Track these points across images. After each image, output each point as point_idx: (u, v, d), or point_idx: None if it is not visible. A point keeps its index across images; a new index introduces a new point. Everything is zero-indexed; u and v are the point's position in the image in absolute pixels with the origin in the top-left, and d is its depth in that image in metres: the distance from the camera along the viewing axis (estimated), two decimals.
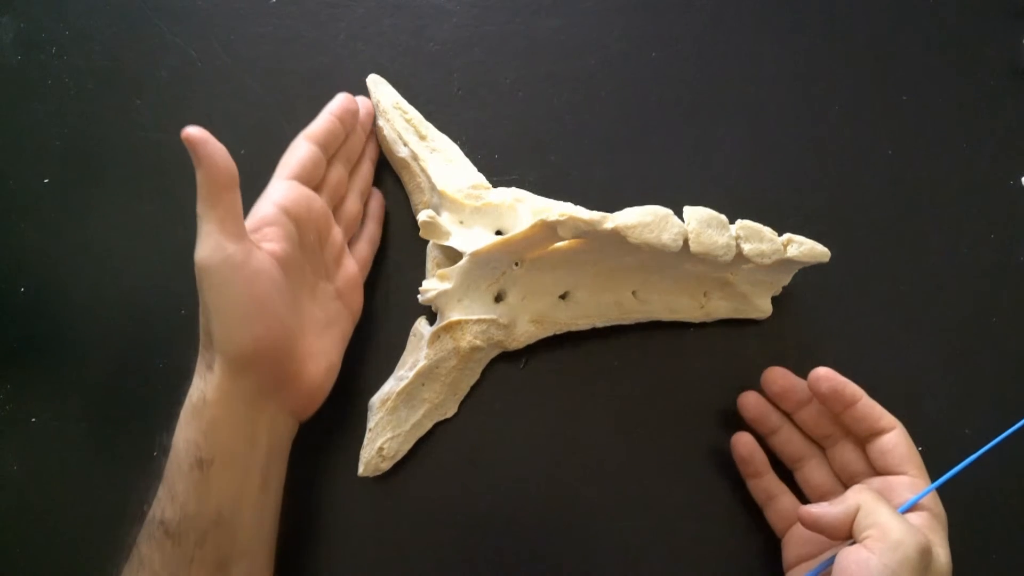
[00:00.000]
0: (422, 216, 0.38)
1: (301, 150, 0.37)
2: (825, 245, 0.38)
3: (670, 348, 0.42)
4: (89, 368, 0.42)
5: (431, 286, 0.38)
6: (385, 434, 0.38)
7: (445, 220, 0.39)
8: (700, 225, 0.35)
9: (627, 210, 0.34)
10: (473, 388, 0.41)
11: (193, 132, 0.30)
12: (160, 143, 0.45)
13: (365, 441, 0.39)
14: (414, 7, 0.47)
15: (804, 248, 0.37)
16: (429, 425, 0.40)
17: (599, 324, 0.41)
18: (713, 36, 0.47)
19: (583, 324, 0.40)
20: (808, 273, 0.42)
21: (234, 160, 0.44)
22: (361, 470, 0.38)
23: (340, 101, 0.40)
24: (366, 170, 0.42)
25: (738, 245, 0.36)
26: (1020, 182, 0.46)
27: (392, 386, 0.39)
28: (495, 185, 0.42)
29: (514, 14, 0.47)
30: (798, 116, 0.46)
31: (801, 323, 0.43)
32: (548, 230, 0.35)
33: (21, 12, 0.47)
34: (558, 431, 0.41)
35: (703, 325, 0.42)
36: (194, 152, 0.30)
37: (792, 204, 0.45)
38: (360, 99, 0.41)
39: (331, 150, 0.39)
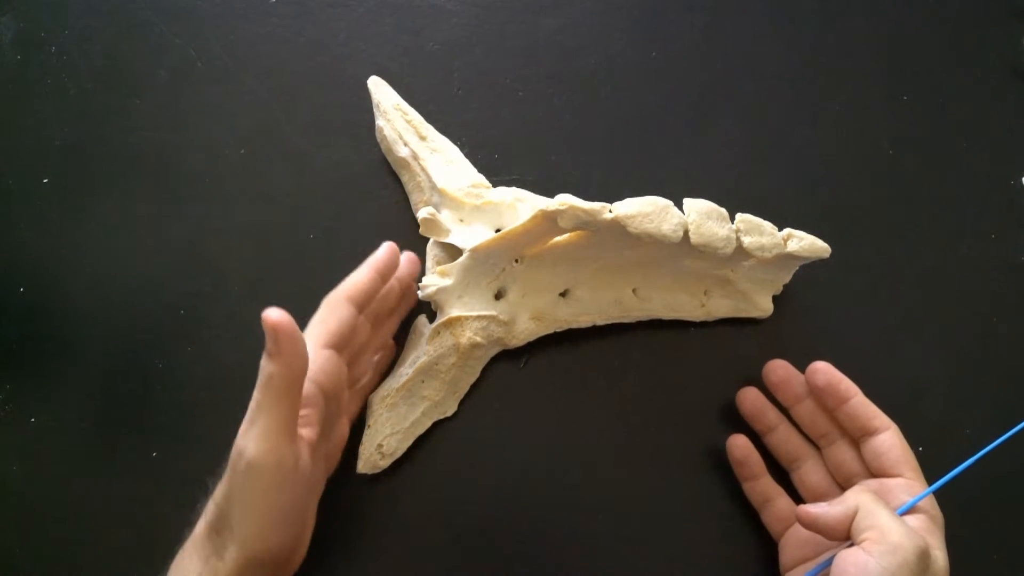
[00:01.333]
0: (422, 213, 0.38)
1: (343, 313, 0.34)
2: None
3: (670, 347, 0.42)
4: (89, 368, 0.42)
5: (431, 282, 0.38)
6: (384, 431, 0.38)
7: (445, 218, 0.39)
8: (700, 217, 0.35)
9: (627, 200, 0.34)
10: (473, 387, 0.41)
11: (280, 320, 0.28)
12: (160, 143, 0.45)
13: (364, 438, 0.39)
14: (414, 7, 0.47)
15: (804, 243, 0.37)
16: (428, 423, 0.40)
17: (599, 322, 0.41)
18: (713, 36, 0.47)
19: (583, 322, 0.40)
20: (808, 272, 0.42)
21: (234, 160, 0.44)
22: (360, 467, 0.38)
23: (383, 253, 0.37)
24: (391, 326, 0.40)
25: (738, 238, 0.36)
26: (1020, 182, 0.46)
27: (392, 383, 0.39)
28: (495, 185, 0.42)
29: (514, 14, 0.47)
30: (798, 116, 0.46)
31: (801, 322, 0.43)
32: (548, 221, 0.34)
33: (21, 12, 0.47)
34: (558, 430, 0.41)
35: (704, 324, 0.42)
36: (276, 342, 0.28)
37: (792, 204, 0.45)
38: (406, 254, 0.39)
39: (365, 307, 0.36)
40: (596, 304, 0.40)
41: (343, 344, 0.34)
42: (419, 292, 0.39)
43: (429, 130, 0.42)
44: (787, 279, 0.42)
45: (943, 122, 0.47)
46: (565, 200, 0.33)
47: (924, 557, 0.30)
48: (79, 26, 0.46)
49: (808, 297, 0.43)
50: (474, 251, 0.37)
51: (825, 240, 0.38)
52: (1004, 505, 0.41)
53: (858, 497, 0.32)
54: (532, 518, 0.40)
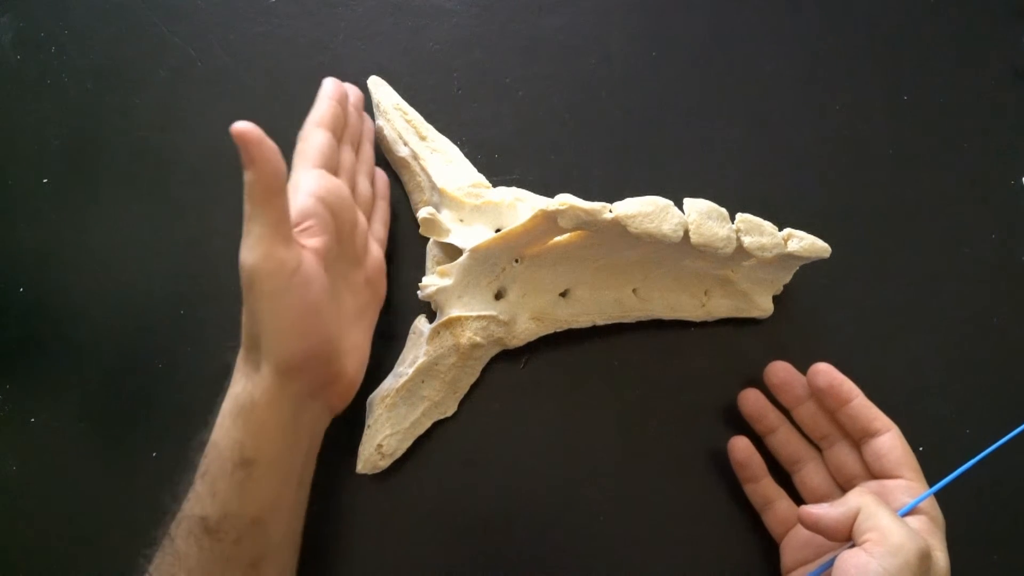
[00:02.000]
0: (422, 213, 0.38)
1: (318, 137, 0.36)
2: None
3: (671, 347, 0.42)
4: (89, 368, 0.42)
5: (431, 282, 0.38)
6: (384, 431, 0.38)
7: (445, 218, 0.39)
8: (700, 216, 0.35)
9: (628, 200, 0.34)
10: (473, 387, 0.41)
11: (245, 129, 0.29)
12: (160, 143, 0.45)
13: (364, 438, 0.39)
14: (414, 7, 0.47)
15: (805, 243, 0.37)
16: (428, 423, 0.40)
17: (600, 322, 0.41)
18: (713, 36, 0.47)
19: (583, 322, 0.40)
20: (809, 272, 0.42)
21: (234, 160, 0.44)
22: (359, 467, 0.38)
23: (332, 85, 0.39)
24: (368, 151, 0.42)
25: (739, 238, 0.36)
26: (1020, 182, 0.46)
27: (391, 383, 0.39)
28: (495, 185, 0.42)
29: (514, 14, 0.47)
30: (798, 116, 0.46)
31: (802, 322, 0.43)
32: (548, 221, 0.34)
33: (21, 12, 0.47)
34: (558, 431, 0.41)
35: (704, 324, 0.42)
36: (246, 151, 0.29)
37: (792, 204, 0.45)
38: (346, 84, 0.41)
39: (338, 134, 0.38)
40: (596, 304, 0.40)
41: (327, 163, 0.36)
42: (419, 293, 0.39)
43: (429, 130, 0.42)
44: (787, 279, 0.42)
45: (943, 122, 0.47)
46: (565, 200, 0.33)
47: (925, 558, 0.30)
48: (79, 26, 0.46)
49: (808, 297, 0.43)
50: (474, 251, 0.37)
51: (825, 240, 0.38)
52: (1004, 506, 0.41)
53: (860, 498, 0.32)
54: (532, 518, 0.40)
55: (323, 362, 0.33)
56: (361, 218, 0.38)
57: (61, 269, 0.43)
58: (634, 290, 0.41)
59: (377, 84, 0.43)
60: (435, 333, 0.38)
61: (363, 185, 0.40)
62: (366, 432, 0.39)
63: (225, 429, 0.31)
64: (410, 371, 0.38)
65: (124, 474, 0.40)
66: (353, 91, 0.41)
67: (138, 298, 0.43)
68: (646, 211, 0.34)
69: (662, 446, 0.41)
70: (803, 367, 0.38)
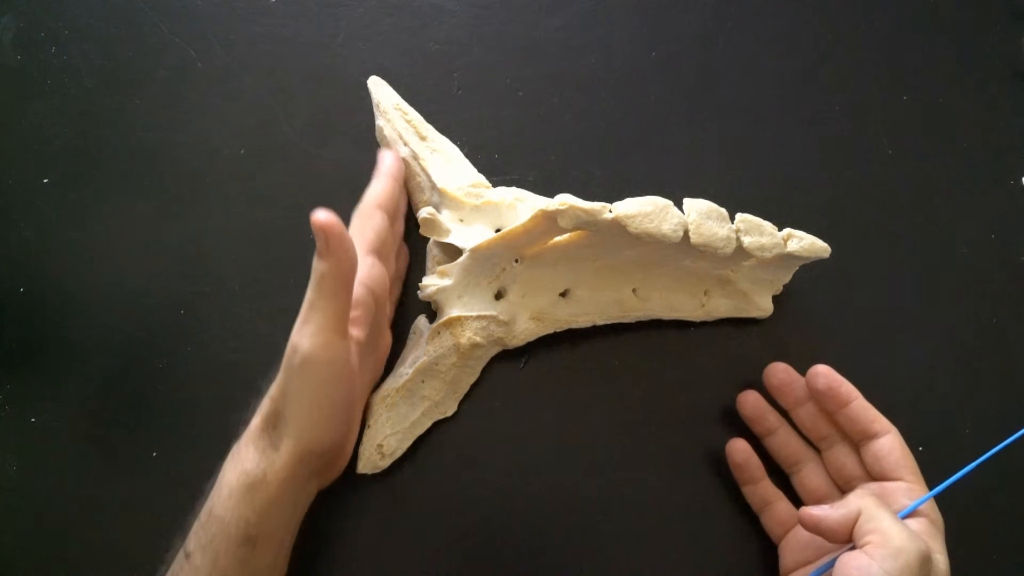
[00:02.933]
0: (422, 213, 0.38)
1: (377, 221, 0.36)
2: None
3: (670, 347, 0.42)
4: (89, 368, 0.42)
5: (431, 282, 0.38)
6: (384, 431, 0.38)
7: (445, 218, 0.39)
8: (700, 217, 0.35)
9: (627, 200, 0.34)
10: (473, 387, 0.41)
11: (328, 222, 0.29)
12: (160, 143, 0.45)
13: (364, 438, 0.39)
14: (414, 7, 0.47)
15: (804, 243, 0.37)
16: (428, 423, 0.40)
17: (599, 322, 0.41)
18: (713, 36, 0.47)
19: (583, 322, 0.40)
20: (808, 272, 0.42)
21: (234, 160, 0.44)
22: (360, 467, 0.38)
23: (391, 161, 0.39)
24: (401, 226, 0.42)
25: (738, 238, 0.36)
26: (1020, 182, 0.46)
27: (392, 383, 0.39)
28: (495, 185, 0.42)
29: (514, 14, 0.47)
30: (798, 116, 0.46)
31: (801, 322, 0.43)
32: (548, 221, 0.35)
33: (21, 12, 0.47)
34: (558, 431, 0.41)
35: (704, 324, 0.42)
36: (327, 243, 0.29)
37: (792, 204, 0.45)
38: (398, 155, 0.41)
39: (392, 214, 0.38)
40: (596, 304, 0.40)
41: (381, 249, 0.36)
42: (419, 293, 0.39)
43: (429, 130, 0.42)
44: (787, 279, 0.42)
45: (943, 122, 0.47)
46: (565, 200, 0.33)
47: (926, 561, 0.30)
48: (79, 26, 0.46)
49: (808, 297, 0.43)
50: (474, 251, 0.37)
51: (825, 240, 0.38)
52: (1004, 508, 0.41)
53: (861, 500, 0.32)
54: (532, 518, 0.40)
55: (339, 451, 0.34)
56: (388, 304, 0.38)
57: (61, 269, 0.43)
58: (634, 290, 0.41)
59: (377, 84, 0.43)
60: (435, 333, 0.38)
61: (391, 267, 0.40)
62: (366, 432, 0.39)
63: (232, 504, 0.31)
64: (410, 371, 0.38)
65: (124, 474, 0.40)
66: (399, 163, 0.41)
67: (138, 298, 0.43)
68: (646, 211, 0.34)
69: (662, 446, 0.41)
70: (803, 367, 0.38)
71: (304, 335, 0.31)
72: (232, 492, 0.31)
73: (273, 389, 0.32)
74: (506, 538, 0.39)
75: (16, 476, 0.40)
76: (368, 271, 0.35)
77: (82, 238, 0.43)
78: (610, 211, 0.33)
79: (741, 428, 0.40)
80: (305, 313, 0.31)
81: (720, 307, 0.42)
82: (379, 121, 0.42)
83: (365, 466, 0.38)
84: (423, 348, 0.38)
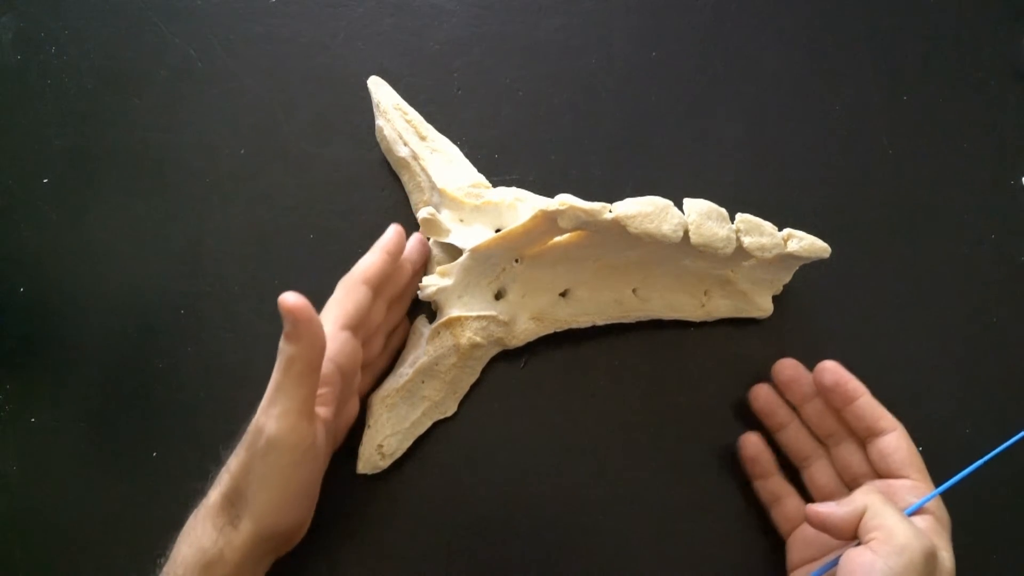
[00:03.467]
0: (422, 213, 0.38)
1: (359, 295, 0.35)
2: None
3: (671, 347, 0.42)
4: (89, 368, 0.42)
5: (431, 282, 0.38)
6: (384, 431, 0.38)
7: (445, 218, 0.39)
8: (700, 217, 0.35)
9: (627, 200, 0.34)
10: (473, 388, 0.41)
11: (296, 305, 0.29)
12: (160, 143, 0.45)
13: (364, 438, 0.39)
14: (414, 7, 0.47)
15: (804, 243, 0.37)
16: (428, 423, 0.40)
17: (599, 322, 0.41)
18: (713, 36, 0.47)
19: (583, 322, 0.40)
20: (809, 272, 0.42)
21: (234, 160, 0.44)
22: (359, 467, 0.38)
23: (391, 235, 0.38)
24: (402, 309, 0.41)
25: (738, 238, 0.36)
26: (1020, 182, 0.46)
27: (392, 383, 0.39)
28: (495, 185, 0.42)
29: (514, 14, 0.47)
30: (798, 116, 0.46)
31: (802, 322, 0.43)
32: (548, 221, 0.35)
33: (21, 12, 0.47)
34: (558, 431, 0.41)
35: (704, 324, 0.42)
36: (295, 327, 0.29)
37: (792, 204, 0.45)
38: (414, 236, 0.40)
39: (378, 289, 0.37)
40: (596, 304, 0.40)
41: (359, 325, 0.35)
42: (419, 293, 0.39)
43: (429, 130, 0.42)
44: (787, 279, 0.42)
45: (943, 122, 0.47)
46: (565, 200, 0.33)
47: (931, 558, 0.30)
48: (79, 26, 0.46)
49: (808, 297, 0.43)
50: (474, 251, 0.37)
51: (825, 240, 0.38)
52: (1007, 507, 0.41)
53: (866, 497, 0.32)
54: (532, 518, 0.40)
55: (298, 528, 0.34)
56: (358, 377, 0.37)
57: (61, 269, 0.43)
58: (634, 290, 0.41)
59: (377, 84, 0.43)
60: (435, 333, 0.38)
61: (376, 343, 0.39)
62: (366, 432, 0.39)
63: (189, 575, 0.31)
64: (410, 371, 0.38)
65: (124, 474, 0.40)
66: (416, 245, 0.40)
67: (138, 298, 0.43)
68: (646, 211, 0.34)
69: (662, 446, 0.41)
70: (804, 367, 0.38)
71: (270, 417, 0.30)
72: (188, 570, 0.31)
73: (234, 465, 0.31)
74: (506, 538, 0.39)
75: (16, 476, 0.40)
76: (339, 347, 0.34)
77: (82, 238, 0.43)
78: (610, 211, 0.33)
79: (741, 428, 0.40)
80: (271, 394, 0.30)
81: (720, 307, 0.42)
82: (379, 121, 0.42)
83: (365, 466, 0.38)
84: (423, 348, 0.38)
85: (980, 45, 0.48)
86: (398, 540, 0.39)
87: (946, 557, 0.32)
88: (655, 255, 0.38)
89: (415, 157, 0.41)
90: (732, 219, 0.36)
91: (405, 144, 0.41)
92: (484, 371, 0.41)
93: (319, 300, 0.41)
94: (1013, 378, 0.43)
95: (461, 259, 0.38)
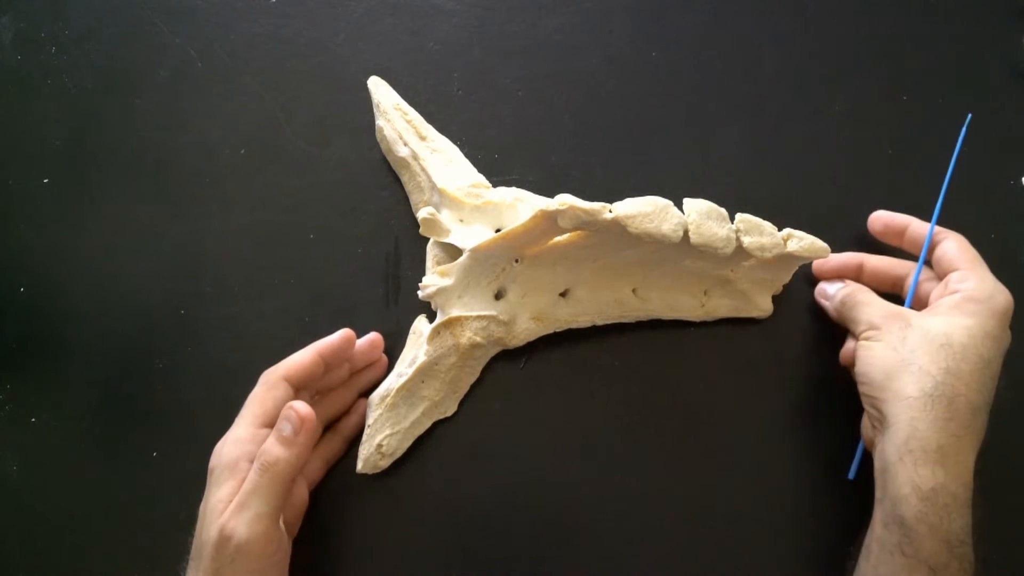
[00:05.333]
0: (422, 213, 0.38)
1: (278, 393, 0.35)
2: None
3: (671, 347, 0.42)
4: (89, 368, 0.42)
5: (431, 282, 0.38)
6: (384, 431, 0.38)
7: (445, 218, 0.39)
8: (700, 217, 0.35)
9: (627, 200, 0.34)
10: (473, 387, 0.41)
11: (306, 413, 0.32)
12: (160, 143, 0.45)
13: (364, 438, 0.39)
14: (414, 7, 0.47)
15: (804, 243, 0.37)
16: (428, 423, 0.40)
17: (599, 322, 0.41)
18: (713, 36, 0.47)
19: (583, 322, 0.40)
20: (808, 272, 0.42)
21: (234, 160, 0.44)
22: (360, 467, 0.38)
23: (333, 340, 0.38)
24: (343, 399, 0.40)
25: (738, 238, 0.36)
26: (1020, 182, 0.46)
27: (392, 383, 0.39)
28: (495, 185, 0.42)
29: (514, 14, 0.47)
30: (798, 116, 0.46)
31: (801, 322, 0.43)
32: (548, 221, 0.35)
33: (21, 12, 0.47)
34: (558, 431, 0.41)
35: (704, 324, 0.42)
36: (295, 435, 0.32)
37: (792, 204, 0.45)
38: (369, 337, 0.40)
39: (303, 387, 0.37)
40: (596, 304, 0.40)
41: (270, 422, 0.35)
42: (419, 293, 0.39)
43: (429, 130, 0.42)
44: (787, 279, 0.42)
45: (943, 122, 0.47)
46: (565, 200, 0.33)
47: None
48: (79, 26, 0.46)
49: (808, 297, 0.43)
50: (474, 251, 0.37)
51: (824, 240, 0.38)
52: (1010, 505, 0.41)
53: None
54: (532, 518, 0.40)
55: None
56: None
57: (61, 269, 0.43)
58: (634, 290, 0.41)
59: (377, 84, 0.43)
60: (435, 333, 0.38)
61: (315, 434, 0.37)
62: (366, 432, 0.39)
63: None
64: (410, 371, 0.38)
65: (124, 474, 0.40)
66: (365, 346, 0.40)
67: (138, 298, 0.43)
68: (646, 211, 0.34)
69: (662, 446, 0.41)
70: (803, 367, 0.38)
71: (241, 522, 0.30)
72: None
73: (203, 571, 0.31)
74: (506, 537, 0.39)
75: (16, 476, 0.40)
76: (260, 444, 0.33)
77: (82, 238, 0.43)
78: (610, 211, 0.33)
79: (741, 428, 0.40)
80: (244, 498, 0.31)
81: (720, 307, 0.42)
82: (379, 121, 0.42)
83: (365, 466, 0.38)
84: (423, 348, 0.38)
85: (980, 45, 0.48)
86: (398, 540, 0.39)
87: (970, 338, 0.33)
88: (655, 255, 0.38)
89: (415, 157, 0.41)
90: (732, 219, 0.36)
91: (405, 144, 0.41)
92: (484, 371, 0.41)
93: (319, 300, 0.42)
94: (1012, 378, 0.43)
95: (461, 259, 0.38)
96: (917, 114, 0.47)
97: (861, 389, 0.35)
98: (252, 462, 0.33)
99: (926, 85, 0.47)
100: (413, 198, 0.43)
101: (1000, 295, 0.34)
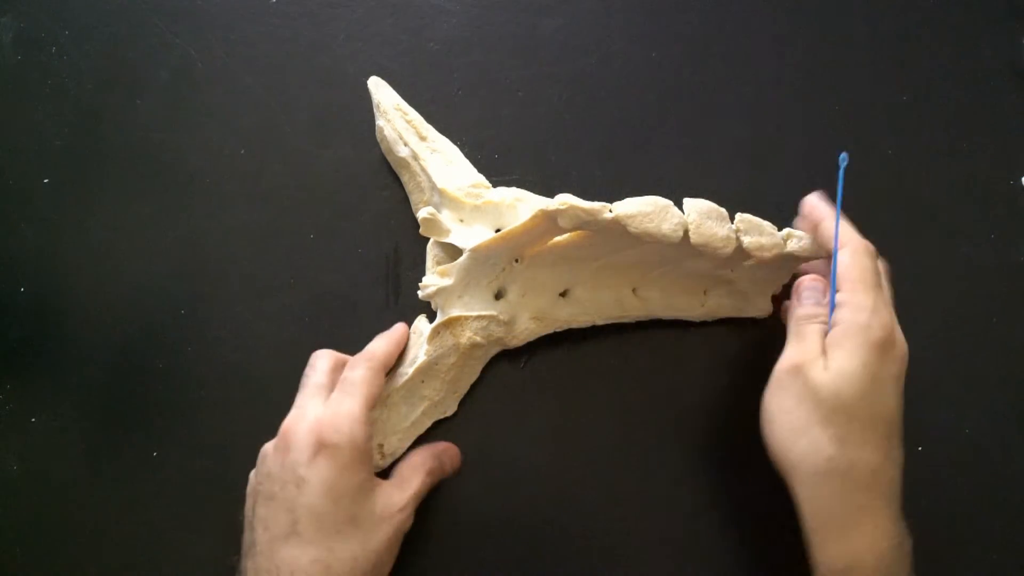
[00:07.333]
0: (423, 213, 0.38)
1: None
2: None
3: (671, 347, 0.42)
4: (89, 368, 0.42)
5: (431, 282, 0.38)
6: (384, 431, 0.38)
7: (445, 218, 0.39)
8: (700, 216, 0.35)
9: (627, 200, 0.34)
10: (473, 387, 0.41)
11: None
12: (160, 143, 0.45)
13: None
14: (414, 7, 0.47)
15: (804, 243, 0.37)
16: (428, 423, 0.40)
17: (599, 322, 0.41)
18: (713, 36, 0.47)
19: (583, 321, 0.40)
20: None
21: (234, 160, 0.44)
22: None
23: (400, 333, 0.40)
24: None
25: (738, 238, 0.36)
26: (1020, 182, 0.46)
27: (392, 383, 0.39)
28: (495, 185, 0.42)
29: (514, 14, 0.47)
30: (798, 116, 0.46)
31: None
32: (548, 221, 0.34)
33: (21, 12, 0.47)
34: (558, 431, 0.41)
35: (704, 324, 0.42)
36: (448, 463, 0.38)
37: (792, 205, 0.44)
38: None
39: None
40: (596, 304, 0.40)
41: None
42: (419, 293, 0.39)
43: (429, 130, 0.42)
44: (787, 279, 0.42)
45: (943, 122, 0.47)
46: (565, 200, 0.33)
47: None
48: (79, 26, 0.46)
49: None
50: (474, 251, 0.37)
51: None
52: (1009, 505, 0.41)
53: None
54: (532, 518, 0.40)
55: None
56: None
57: (61, 269, 0.43)
58: (634, 290, 0.41)
59: (377, 84, 0.43)
60: (435, 333, 0.38)
61: None
62: None
63: None
64: (410, 371, 0.38)
65: (124, 474, 0.40)
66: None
67: (138, 298, 0.43)
68: (646, 211, 0.34)
69: (662, 446, 0.41)
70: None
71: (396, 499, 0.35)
72: None
73: None
74: (506, 538, 0.39)
75: (16, 476, 0.40)
76: None
77: (82, 238, 0.43)
78: (610, 211, 0.33)
79: (742, 428, 0.40)
80: (397, 479, 0.36)
81: (720, 307, 0.42)
82: (379, 121, 0.42)
83: None
84: (423, 348, 0.38)
85: (980, 45, 0.48)
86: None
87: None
88: (655, 255, 0.38)
89: (415, 157, 0.41)
90: (732, 219, 0.36)
91: (405, 144, 0.41)
92: (484, 371, 0.41)
93: (319, 300, 0.42)
94: (1013, 378, 0.43)
95: (461, 259, 0.38)
96: (917, 114, 0.47)
97: (768, 452, 0.34)
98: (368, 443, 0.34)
99: (926, 85, 0.47)
100: (413, 198, 0.43)
101: (876, 325, 0.33)
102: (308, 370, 0.37)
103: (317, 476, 0.32)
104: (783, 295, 0.42)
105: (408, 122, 0.42)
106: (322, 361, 0.37)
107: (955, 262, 0.44)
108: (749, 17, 0.48)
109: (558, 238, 0.37)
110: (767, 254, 0.36)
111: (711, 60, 0.47)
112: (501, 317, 0.38)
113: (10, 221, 0.44)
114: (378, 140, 0.43)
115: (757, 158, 0.45)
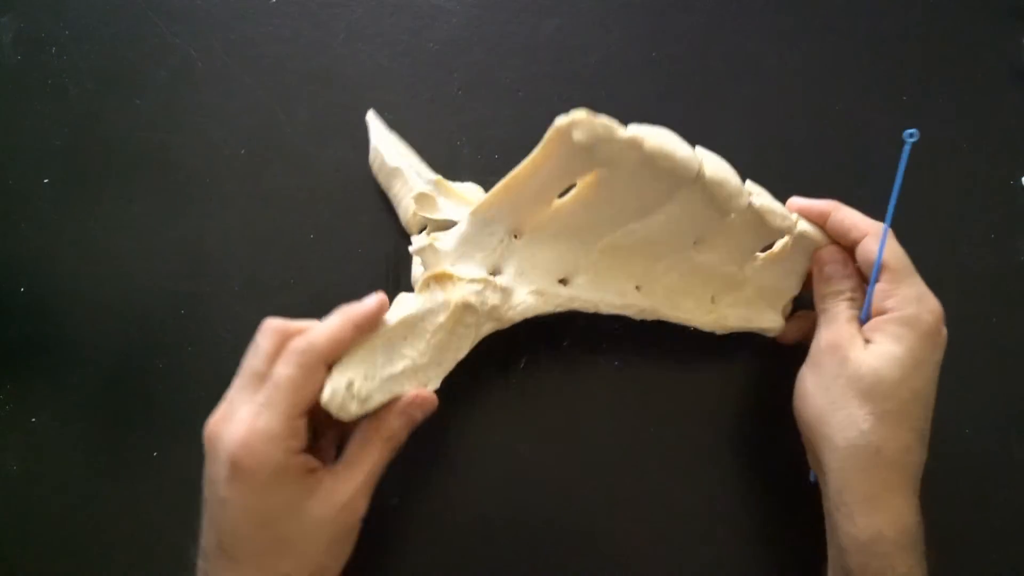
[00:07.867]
0: (417, 189, 0.37)
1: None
2: None
3: (671, 349, 0.42)
4: (89, 368, 0.42)
5: (421, 241, 0.36)
6: (358, 369, 0.33)
7: (442, 204, 0.39)
8: (713, 159, 0.35)
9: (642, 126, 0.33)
10: (471, 390, 0.41)
11: (431, 400, 0.34)
12: (160, 143, 0.45)
13: (333, 371, 0.33)
14: (414, 7, 0.47)
15: (814, 228, 0.37)
16: (407, 386, 0.35)
17: (603, 310, 0.39)
18: (713, 36, 0.47)
19: (587, 305, 0.38)
20: (809, 275, 0.42)
21: (234, 160, 0.44)
22: (325, 396, 0.32)
23: (370, 307, 0.34)
24: None
25: (750, 202, 0.36)
26: (1020, 182, 0.46)
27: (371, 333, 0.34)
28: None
29: (514, 14, 0.47)
30: (798, 116, 0.46)
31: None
32: (563, 143, 0.32)
33: (21, 12, 0.47)
34: (558, 432, 0.41)
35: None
36: (418, 414, 0.34)
37: None
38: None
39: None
40: (597, 293, 0.39)
41: None
42: (411, 248, 0.37)
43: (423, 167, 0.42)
44: (796, 290, 0.41)
45: (943, 122, 0.47)
46: (580, 111, 0.31)
47: None
48: (79, 26, 0.46)
49: (808, 298, 0.43)
50: (475, 213, 0.35)
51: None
52: (1008, 505, 0.41)
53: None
54: (531, 519, 0.40)
55: None
56: None
57: (61, 269, 0.43)
58: (637, 287, 0.40)
59: (371, 121, 0.43)
60: (424, 285, 0.35)
61: None
62: (336, 366, 0.33)
63: None
64: (395, 320, 0.34)
65: (124, 474, 0.40)
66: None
67: (138, 298, 0.43)
68: (662, 133, 0.33)
69: (662, 448, 0.41)
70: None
71: (344, 498, 0.32)
72: None
73: None
74: (506, 538, 0.39)
75: (16, 476, 0.40)
76: None
77: (82, 238, 0.43)
78: (627, 130, 0.32)
79: (742, 430, 0.40)
80: (349, 475, 0.33)
81: (728, 316, 0.40)
82: (373, 143, 0.42)
83: (331, 400, 0.32)
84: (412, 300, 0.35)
85: (980, 45, 0.48)
86: (397, 540, 0.39)
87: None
88: (661, 233, 0.37)
89: (410, 165, 0.41)
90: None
91: (398, 154, 0.41)
92: (482, 371, 0.41)
93: (319, 300, 0.41)
94: (1013, 378, 0.43)
95: (459, 225, 0.36)
96: (917, 114, 0.47)
97: (799, 426, 0.35)
98: (294, 458, 0.31)
99: (926, 85, 0.47)
100: (402, 208, 0.41)
101: (925, 313, 0.34)
102: (251, 346, 0.32)
103: (238, 499, 0.29)
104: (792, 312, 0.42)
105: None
106: (265, 340, 0.32)
107: (955, 262, 0.44)
108: (749, 17, 0.48)
109: (560, 200, 0.36)
110: (777, 222, 0.36)
111: (711, 60, 0.47)
112: (499, 282, 0.36)
113: (10, 221, 0.44)
114: (370, 162, 0.43)
115: (756, 158, 0.45)
